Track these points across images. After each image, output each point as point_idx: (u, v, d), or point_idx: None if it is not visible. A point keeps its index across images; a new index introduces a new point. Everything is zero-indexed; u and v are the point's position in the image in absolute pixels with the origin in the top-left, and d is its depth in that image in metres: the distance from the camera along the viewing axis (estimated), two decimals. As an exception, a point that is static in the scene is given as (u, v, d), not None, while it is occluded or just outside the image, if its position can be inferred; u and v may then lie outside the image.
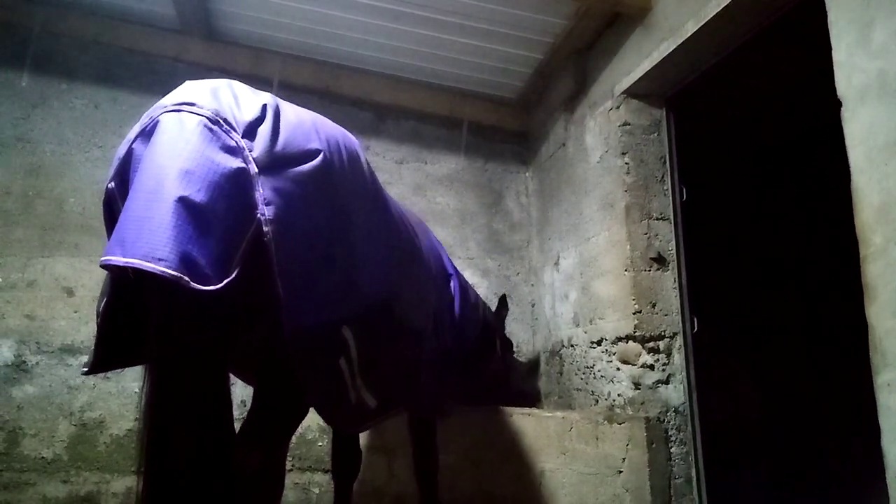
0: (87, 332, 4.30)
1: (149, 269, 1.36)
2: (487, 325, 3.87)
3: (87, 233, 4.42)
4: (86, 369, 1.75)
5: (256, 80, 4.72)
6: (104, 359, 1.71)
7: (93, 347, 1.70)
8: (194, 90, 1.64)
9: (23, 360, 4.19)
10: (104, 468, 4.14)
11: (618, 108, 3.93)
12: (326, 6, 4.22)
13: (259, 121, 1.63)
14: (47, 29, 4.61)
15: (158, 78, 4.74)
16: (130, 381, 4.27)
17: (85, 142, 4.56)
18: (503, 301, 4.27)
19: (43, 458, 4.09)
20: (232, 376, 1.79)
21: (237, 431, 1.69)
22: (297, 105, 1.89)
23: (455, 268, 3.41)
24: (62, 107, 4.59)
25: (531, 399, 4.84)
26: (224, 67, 4.80)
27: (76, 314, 4.32)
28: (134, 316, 1.61)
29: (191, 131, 1.53)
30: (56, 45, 4.64)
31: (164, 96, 1.67)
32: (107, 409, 4.22)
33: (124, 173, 1.60)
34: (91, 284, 4.36)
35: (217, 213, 1.46)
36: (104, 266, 1.42)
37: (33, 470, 4.06)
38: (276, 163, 1.59)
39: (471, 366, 3.56)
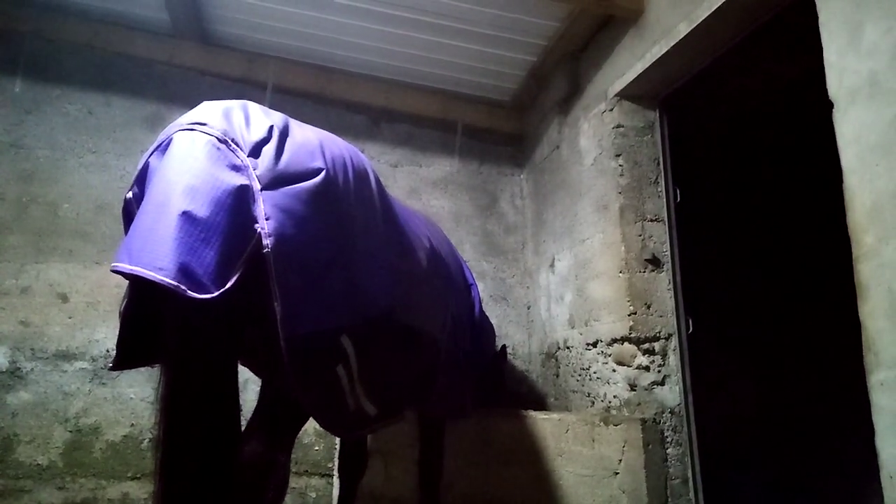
0: (81, 337, 4.29)
1: (149, 278, 1.49)
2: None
3: (81, 238, 4.42)
4: (111, 365, 1.89)
5: (250, 84, 4.75)
6: (126, 357, 1.84)
7: (115, 346, 1.83)
8: (208, 111, 1.77)
9: (17, 366, 4.18)
10: (99, 474, 4.12)
11: (611, 110, 3.94)
12: (320, 10, 4.22)
13: (265, 141, 1.74)
14: (40, 34, 4.60)
15: (152, 82, 4.73)
16: (126, 387, 4.26)
17: (79, 147, 4.55)
18: (503, 352, 4.29)
19: (38, 464, 4.07)
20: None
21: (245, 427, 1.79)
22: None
23: (474, 279, 3.61)
24: (55, 112, 4.58)
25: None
26: (218, 72, 4.80)
27: (70, 320, 4.31)
28: (153, 318, 1.74)
29: (199, 150, 1.66)
30: (49, 50, 4.63)
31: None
32: (102, 416, 4.21)
33: (141, 184, 1.75)
34: (85, 290, 4.35)
35: (217, 227, 1.58)
36: (113, 272, 1.56)
37: (28, 477, 4.05)
38: (277, 180, 1.69)
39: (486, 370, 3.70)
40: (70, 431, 4.15)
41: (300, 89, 4.92)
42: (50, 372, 4.21)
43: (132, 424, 4.23)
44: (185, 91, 4.72)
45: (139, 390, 4.27)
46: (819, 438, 6.01)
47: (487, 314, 4.17)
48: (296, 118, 2.00)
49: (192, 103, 1.88)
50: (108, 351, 4.29)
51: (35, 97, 4.57)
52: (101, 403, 4.23)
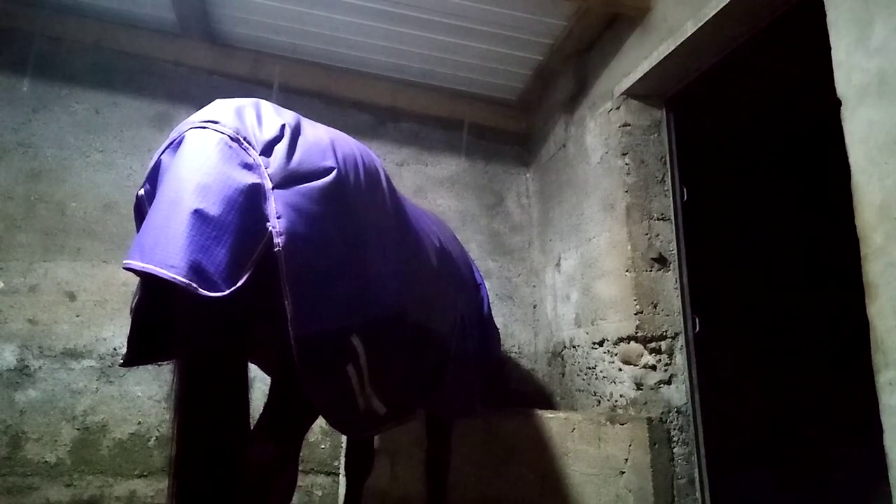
0: (89, 336, 4.31)
1: (161, 275, 1.49)
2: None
3: (88, 237, 4.44)
4: (121, 362, 1.90)
5: (256, 84, 4.76)
6: (138, 353, 1.85)
7: (126, 342, 1.84)
8: (220, 109, 1.77)
9: (25, 364, 4.20)
10: (107, 472, 4.14)
11: (618, 108, 3.93)
12: (326, 9, 4.23)
13: (277, 139, 1.73)
14: (48, 34, 4.62)
15: (159, 82, 4.75)
16: (133, 385, 4.28)
17: (86, 146, 4.57)
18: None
19: (46, 462, 4.10)
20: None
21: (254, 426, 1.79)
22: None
23: (483, 278, 3.60)
24: (63, 111, 4.60)
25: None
26: (224, 71, 4.81)
27: (78, 318, 4.33)
28: (164, 315, 1.74)
29: (212, 148, 1.66)
30: (57, 49, 4.66)
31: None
32: (109, 413, 4.23)
33: (153, 181, 1.75)
34: (93, 289, 4.37)
35: (229, 225, 1.58)
36: (126, 269, 1.56)
37: (37, 474, 4.07)
38: (289, 179, 1.69)
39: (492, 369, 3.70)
40: (78, 429, 4.17)
41: (306, 88, 4.93)
42: (58, 370, 4.23)
43: (139, 422, 4.25)
44: (191, 90, 4.73)
45: (146, 388, 4.29)
46: (826, 438, 5.99)
47: (493, 313, 4.17)
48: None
49: (198, 103, 1.88)
50: (115, 349, 4.31)
51: (42, 96, 4.59)
52: (108, 401, 4.25)
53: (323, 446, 4.41)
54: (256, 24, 4.52)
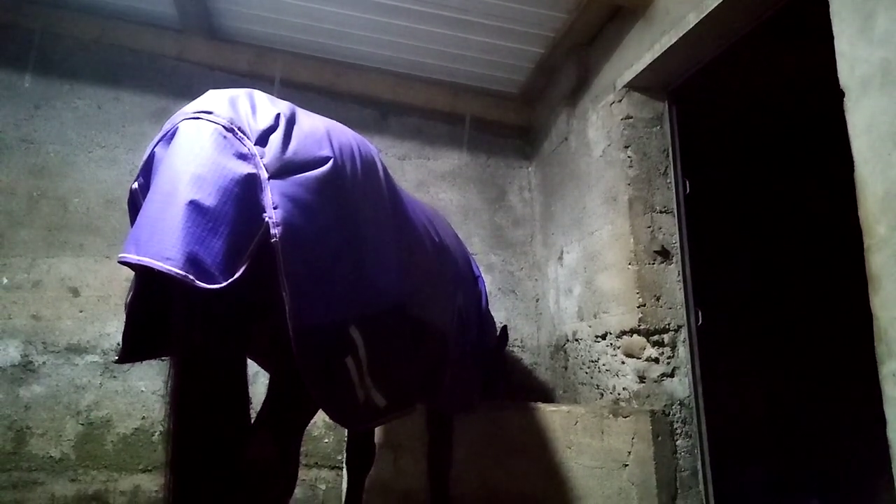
0: (92, 331, 4.33)
1: (157, 268, 1.47)
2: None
3: (91, 233, 4.44)
4: (117, 358, 1.87)
5: (258, 79, 4.76)
6: (133, 350, 1.82)
7: (121, 339, 1.81)
8: (214, 99, 1.75)
9: (29, 360, 4.21)
10: (111, 467, 4.16)
11: (620, 101, 3.92)
12: (327, 3, 4.21)
13: (272, 129, 1.71)
14: (49, 30, 4.62)
15: (160, 77, 4.75)
16: (137, 380, 4.29)
17: (88, 142, 4.57)
18: (504, 334, 4.20)
19: (51, 457, 4.11)
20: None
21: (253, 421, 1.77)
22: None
23: (480, 271, 3.60)
24: (65, 107, 4.60)
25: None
26: (226, 66, 4.81)
27: (82, 314, 4.34)
28: (159, 309, 1.72)
29: (206, 138, 1.63)
30: (58, 45, 4.65)
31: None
32: (113, 408, 4.24)
33: (147, 174, 1.73)
34: (96, 284, 4.38)
35: (225, 216, 1.55)
36: (121, 262, 1.54)
37: (41, 469, 4.09)
38: (285, 169, 1.67)
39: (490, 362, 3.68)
40: (82, 424, 4.19)
41: (308, 83, 4.92)
42: (62, 365, 4.25)
43: (143, 417, 4.27)
44: (193, 85, 4.73)
45: (150, 383, 4.30)
46: (829, 431, 5.98)
47: (496, 307, 4.16)
48: (304, 111, 1.99)
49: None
50: (118, 344, 4.28)
51: (45, 92, 4.59)
52: (112, 396, 4.26)
53: (326, 440, 4.42)
54: (257, 19, 4.51)
